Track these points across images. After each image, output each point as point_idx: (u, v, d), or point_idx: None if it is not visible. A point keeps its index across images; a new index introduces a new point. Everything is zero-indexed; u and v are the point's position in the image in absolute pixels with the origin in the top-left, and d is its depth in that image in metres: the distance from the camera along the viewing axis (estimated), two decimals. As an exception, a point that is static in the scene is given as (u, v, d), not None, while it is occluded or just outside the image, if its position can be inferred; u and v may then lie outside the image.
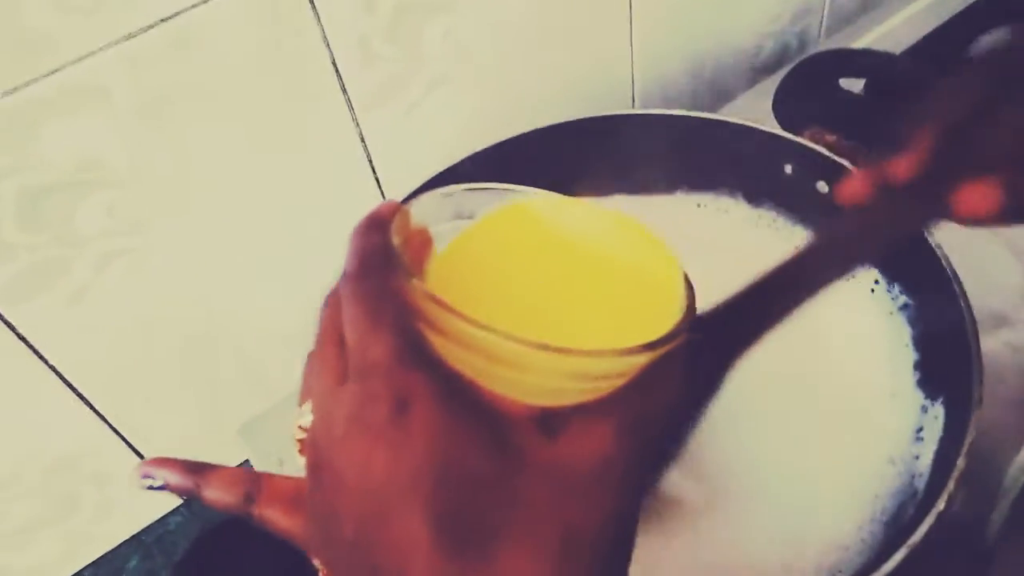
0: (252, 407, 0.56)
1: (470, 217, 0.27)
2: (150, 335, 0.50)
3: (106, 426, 0.52)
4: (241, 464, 0.59)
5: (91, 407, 0.50)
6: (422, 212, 0.25)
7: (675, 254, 0.25)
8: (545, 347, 0.21)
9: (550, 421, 0.22)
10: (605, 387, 0.23)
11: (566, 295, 0.25)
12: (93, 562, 0.56)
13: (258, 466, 0.51)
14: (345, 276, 0.24)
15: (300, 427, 0.25)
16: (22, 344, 0.46)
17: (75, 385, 0.49)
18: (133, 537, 0.57)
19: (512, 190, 0.27)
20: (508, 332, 0.21)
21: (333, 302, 0.24)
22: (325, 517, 0.22)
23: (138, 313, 0.49)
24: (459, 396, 0.21)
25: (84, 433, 0.51)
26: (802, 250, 0.31)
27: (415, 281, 0.22)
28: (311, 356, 0.24)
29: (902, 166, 0.29)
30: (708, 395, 0.31)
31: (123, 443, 0.53)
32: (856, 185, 0.31)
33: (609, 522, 0.22)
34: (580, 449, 0.21)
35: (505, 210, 0.26)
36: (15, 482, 0.50)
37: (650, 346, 0.22)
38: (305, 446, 0.24)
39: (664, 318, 0.23)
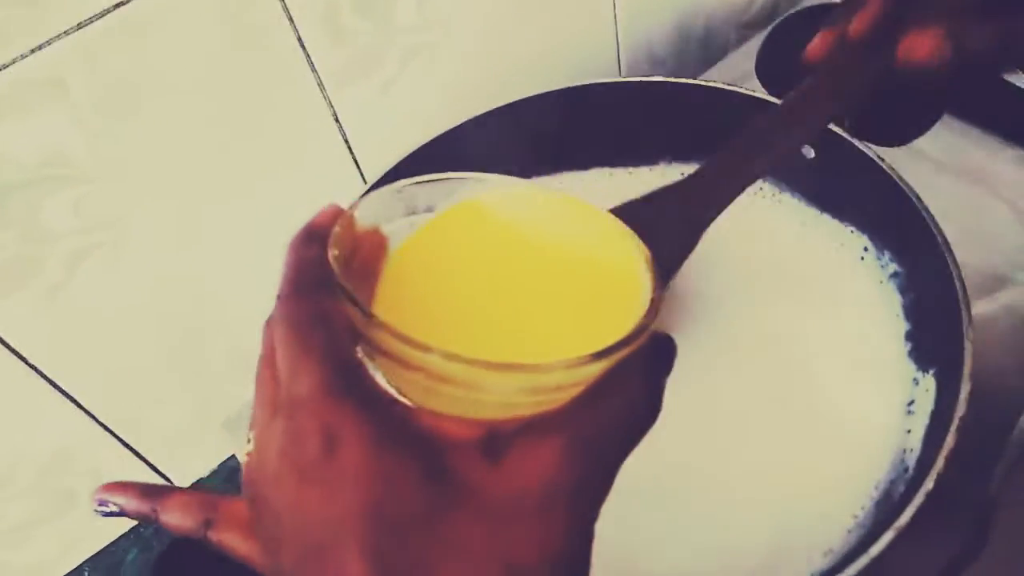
0: (240, 393, 0.56)
1: (427, 211, 0.25)
2: (131, 329, 0.50)
3: (95, 422, 0.52)
4: (227, 459, 0.59)
5: (78, 404, 0.50)
6: (372, 212, 0.24)
7: (641, 246, 0.24)
8: (488, 364, 0.20)
9: (494, 444, 0.21)
10: (560, 397, 0.21)
11: (523, 297, 0.24)
12: (92, 556, 0.56)
13: (243, 459, 0.51)
14: (278, 297, 0.23)
15: (246, 454, 0.24)
16: (1, 346, 0.45)
17: (59, 384, 0.48)
18: (131, 530, 0.57)
19: (464, 178, 0.25)
20: (449, 352, 0.19)
21: (269, 323, 0.23)
22: (268, 547, 0.22)
23: (117, 308, 0.48)
24: (393, 428, 0.20)
25: (74, 430, 0.51)
26: (771, 111, 0.32)
27: (349, 305, 0.21)
28: (255, 382, 0.23)
29: (858, 22, 0.32)
30: (679, 261, 0.30)
31: (114, 438, 0.53)
32: (820, 43, 0.33)
33: (557, 550, 0.21)
34: (524, 473, 0.20)
35: (456, 208, 0.25)
36: (10, 482, 0.50)
37: (600, 354, 0.21)
38: (243, 478, 0.23)
39: (626, 318, 0.22)
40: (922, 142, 0.50)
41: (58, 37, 0.39)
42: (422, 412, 0.21)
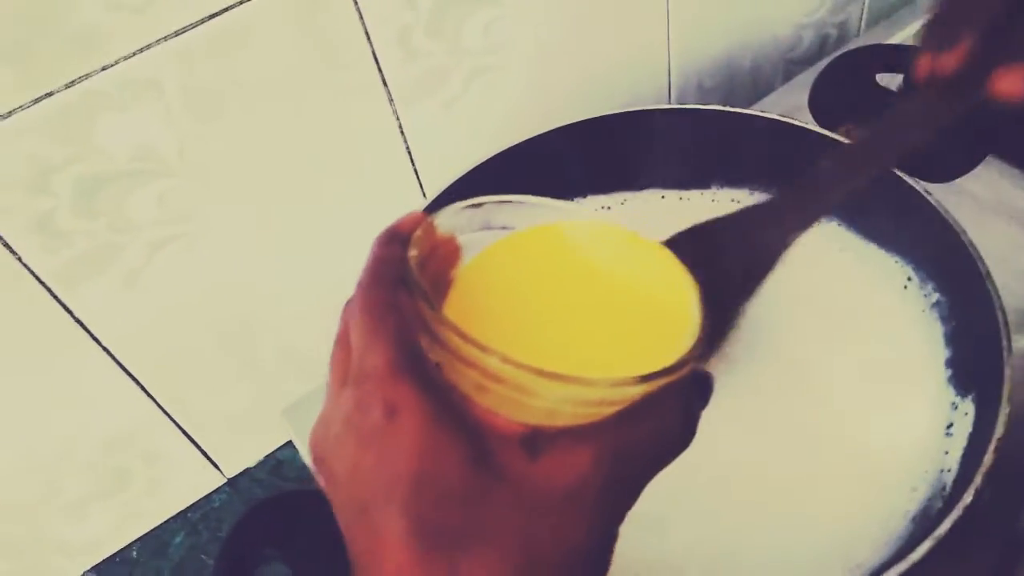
0: (296, 389, 0.58)
1: (502, 228, 0.28)
2: (198, 318, 0.52)
3: (156, 406, 0.54)
4: (274, 451, 0.61)
5: (142, 387, 0.52)
6: (451, 222, 0.26)
7: (694, 290, 0.26)
8: (539, 372, 0.22)
9: (535, 441, 0.23)
10: (601, 412, 0.23)
11: (581, 318, 0.26)
12: (140, 537, 0.58)
13: (302, 447, 0.53)
14: (358, 284, 0.25)
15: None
16: (78, 326, 0.48)
17: (127, 366, 0.51)
18: (179, 514, 0.59)
19: (541, 205, 0.28)
20: (506, 355, 0.22)
21: (348, 307, 0.25)
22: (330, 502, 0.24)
23: (186, 297, 0.51)
24: (447, 411, 0.22)
25: (135, 412, 0.53)
26: (859, 138, 0.33)
27: (420, 300, 0.23)
28: (331, 358, 0.26)
29: (947, 60, 0.32)
30: (753, 285, 0.32)
31: (171, 422, 0.55)
32: (924, 64, 0.33)
33: (576, 545, 0.22)
34: (557, 470, 0.22)
35: (530, 231, 0.27)
36: (71, 457, 0.52)
37: (644, 379, 0.23)
38: (310, 442, 0.25)
39: (672, 349, 0.24)
40: (966, 182, 0.52)
41: (158, 42, 0.42)
42: (473, 402, 0.23)
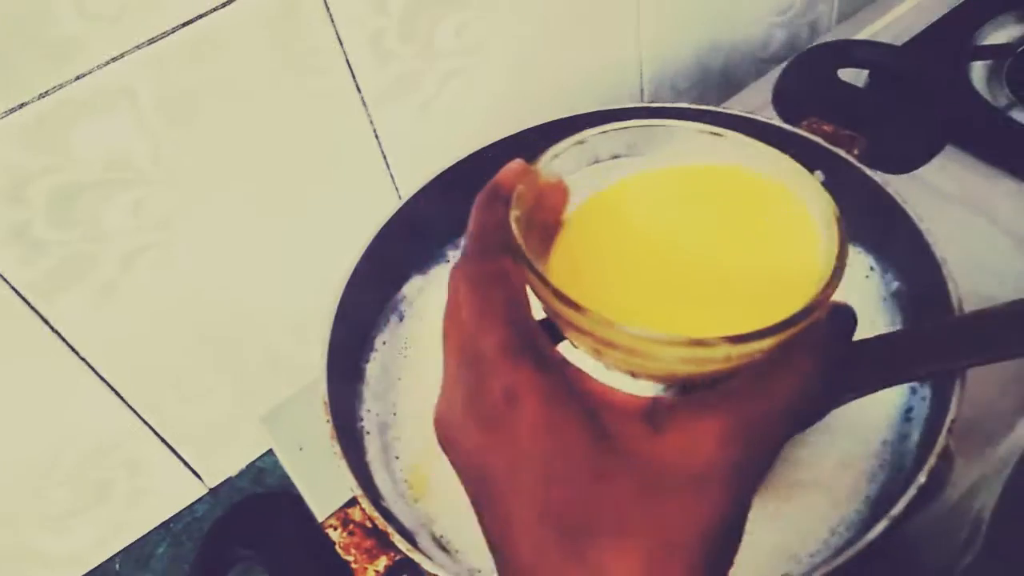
0: (274, 395, 0.58)
1: (611, 158, 0.26)
2: (176, 327, 0.53)
3: (135, 416, 0.54)
4: (255, 460, 0.61)
5: (121, 398, 0.53)
6: (556, 164, 0.25)
7: (827, 231, 0.23)
8: (650, 338, 0.21)
9: (658, 415, 0.21)
10: (732, 365, 0.22)
11: (698, 268, 0.24)
12: (122, 549, 0.59)
13: (281, 453, 0.53)
14: (462, 255, 0.24)
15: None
16: (55, 336, 0.48)
17: (105, 376, 0.51)
18: (161, 524, 0.60)
19: (651, 126, 0.26)
20: (611, 321, 0.21)
21: (454, 275, 0.24)
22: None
23: (164, 305, 0.51)
24: (565, 390, 0.21)
25: (115, 423, 0.53)
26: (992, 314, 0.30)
27: (528, 273, 0.22)
28: (443, 329, 0.25)
29: None
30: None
31: (151, 432, 0.55)
32: None
33: (707, 526, 0.21)
34: (684, 447, 0.21)
35: (637, 176, 0.26)
36: (53, 471, 0.52)
37: (765, 332, 0.21)
38: (435, 418, 0.25)
39: (801, 293, 0.22)
40: (929, 174, 0.53)
41: (132, 50, 0.43)
42: (590, 378, 0.22)
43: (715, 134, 0.26)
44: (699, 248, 0.25)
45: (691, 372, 0.23)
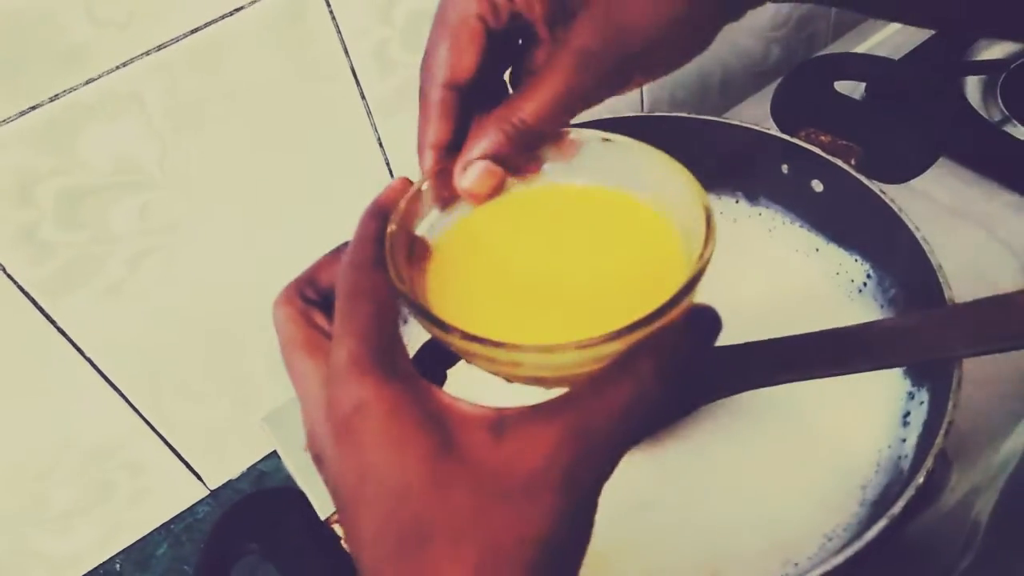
0: (275, 397, 0.58)
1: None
2: (181, 329, 0.53)
3: (139, 417, 0.54)
4: (256, 463, 0.61)
5: (125, 399, 0.53)
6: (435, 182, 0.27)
7: (686, 247, 0.24)
8: (498, 345, 0.22)
9: (502, 424, 0.22)
10: (593, 369, 0.22)
11: (561, 280, 0.26)
12: (123, 550, 0.59)
13: (284, 453, 0.54)
14: (340, 267, 0.25)
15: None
16: (62, 337, 0.48)
17: (110, 377, 0.51)
18: (162, 525, 0.60)
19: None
20: (464, 331, 0.22)
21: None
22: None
23: (168, 308, 0.51)
24: (411, 402, 0.22)
25: (118, 423, 0.54)
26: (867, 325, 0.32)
27: (393, 281, 0.23)
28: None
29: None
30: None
31: (154, 434, 0.56)
32: None
33: (539, 532, 0.21)
34: (519, 453, 0.21)
35: (500, 199, 0.27)
36: (56, 470, 0.52)
37: (614, 335, 0.21)
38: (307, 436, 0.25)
39: (659, 294, 0.22)
40: (927, 186, 0.54)
41: (141, 56, 0.43)
42: (442, 392, 0.23)
43: (606, 140, 0.28)
44: (563, 265, 0.26)
45: (555, 377, 0.23)
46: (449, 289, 0.25)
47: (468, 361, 0.25)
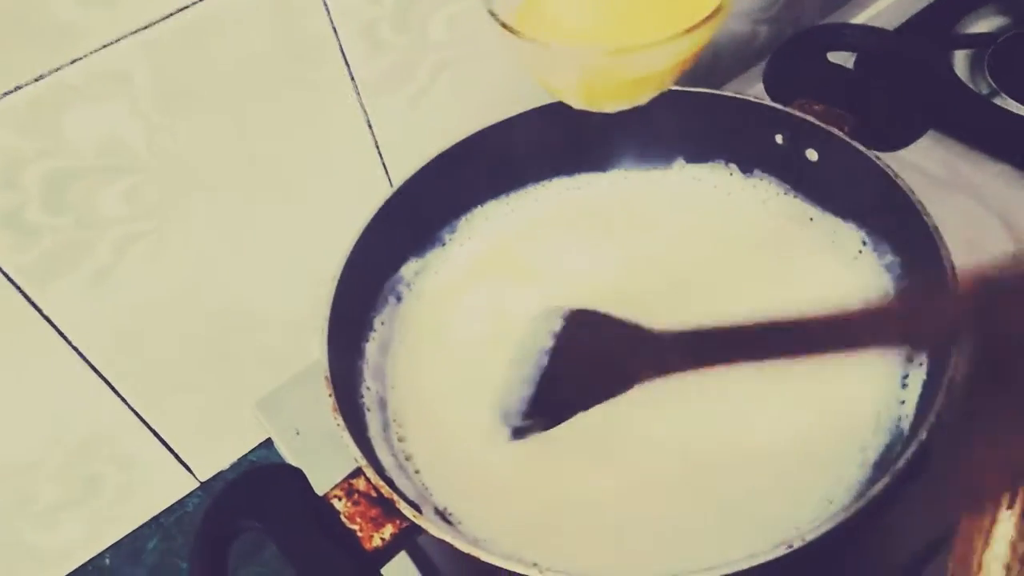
0: (265, 385, 0.58)
1: None
2: (169, 316, 0.52)
3: (127, 408, 0.54)
4: (247, 453, 0.61)
5: (113, 388, 0.52)
6: None
7: None
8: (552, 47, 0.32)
9: None
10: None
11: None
12: (113, 544, 0.58)
13: (277, 437, 0.53)
14: None
15: None
16: (48, 325, 0.47)
17: (97, 366, 0.51)
18: (152, 519, 0.59)
19: None
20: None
21: None
22: None
23: (156, 295, 0.51)
24: None
25: (106, 414, 0.53)
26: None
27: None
28: None
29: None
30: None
31: (143, 425, 0.55)
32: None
33: None
34: None
35: None
36: (43, 464, 0.52)
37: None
38: None
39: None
40: (917, 158, 0.54)
41: (127, 35, 0.43)
42: None
43: None
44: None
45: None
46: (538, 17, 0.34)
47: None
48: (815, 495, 0.37)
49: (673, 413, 0.41)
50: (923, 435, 0.31)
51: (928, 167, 0.57)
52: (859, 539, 0.34)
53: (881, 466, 0.37)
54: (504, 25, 0.33)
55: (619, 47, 0.32)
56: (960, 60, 0.66)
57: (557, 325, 0.45)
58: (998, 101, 0.61)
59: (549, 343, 0.44)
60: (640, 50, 0.32)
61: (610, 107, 0.36)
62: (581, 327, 0.45)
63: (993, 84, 0.62)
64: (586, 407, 0.42)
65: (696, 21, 0.32)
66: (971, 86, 0.63)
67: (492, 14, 0.34)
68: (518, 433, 0.42)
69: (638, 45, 0.31)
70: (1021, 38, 0.65)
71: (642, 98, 0.35)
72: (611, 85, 0.34)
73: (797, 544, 0.30)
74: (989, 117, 0.60)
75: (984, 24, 0.69)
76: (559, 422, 0.42)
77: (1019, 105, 0.61)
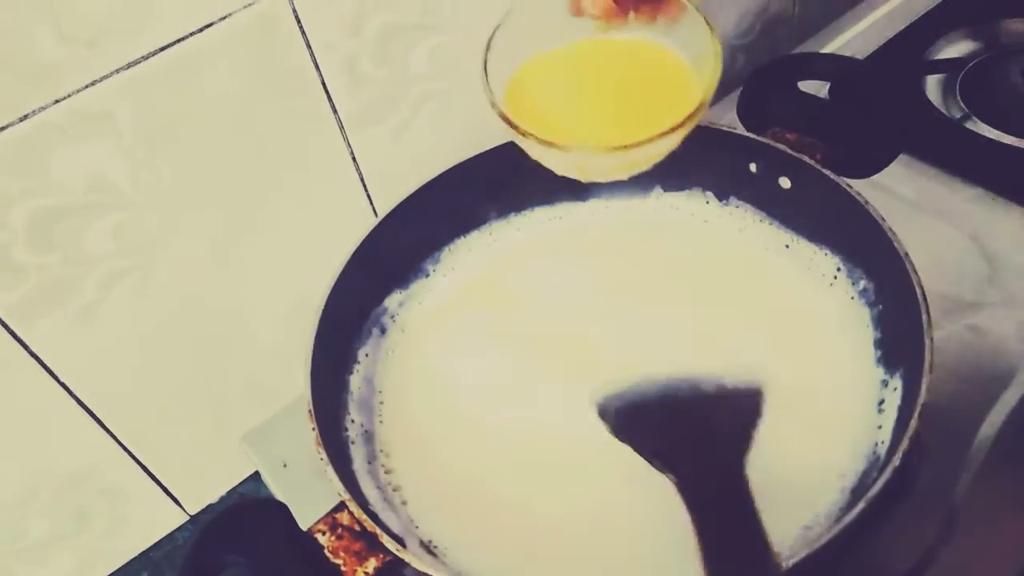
0: (253, 418, 0.58)
1: None
2: (156, 351, 0.52)
3: (115, 442, 0.53)
4: (236, 486, 0.60)
5: (100, 423, 0.52)
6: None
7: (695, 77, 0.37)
8: (544, 142, 0.34)
9: None
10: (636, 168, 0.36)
11: (610, 103, 0.37)
12: (103, 578, 0.57)
13: (264, 470, 0.53)
14: None
15: None
16: (34, 361, 0.47)
17: (85, 401, 0.51)
18: (142, 553, 0.59)
19: None
20: (541, 136, 0.33)
21: None
22: None
23: (143, 330, 0.51)
24: None
25: (94, 449, 0.53)
26: None
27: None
28: None
29: None
30: None
31: (131, 459, 0.55)
32: None
33: None
34: None
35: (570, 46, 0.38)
36: (31, 499, 0.51)
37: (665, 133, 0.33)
38: None
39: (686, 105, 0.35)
40: (890, 182, 0.55)
41: (110, 74, 0.43)
42: None
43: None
44: (615, 95, 0.38)
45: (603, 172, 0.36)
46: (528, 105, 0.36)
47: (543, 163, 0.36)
48: (793, 522, 0.37)
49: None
50: (896, 461, 0.32)
51: (901, 191, 0.58)
52: (839, 566, 0.34)
53: (858, 492, 0.37)
54: (508, 120, 0.35)
55: (613, 145, 0.34)
56: (932, 85, 0.67)
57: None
58: (970, 125, 0.62)
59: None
60: (634, 147, 0.34)
61: (602, 180, 0.39)
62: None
63: (965, 108, 0.63)
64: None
65: (683, 113, 0.35)
66: (943, 111, 0.64)
67: (493, 105, 0.36)
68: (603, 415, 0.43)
69: (632, 142, 0.34)
70: (992, 62, 0.67)
71: (634, 172, 0.38)
72: (603, 169, 0.37)
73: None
74: (961, 141, 0.61)
75: (954, 49, 0.70)
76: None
77: (990, 129, 0.62)
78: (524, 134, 0.35)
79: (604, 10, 0.37)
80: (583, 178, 0.37)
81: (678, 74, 0.38)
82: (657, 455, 0.39)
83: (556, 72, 0.39)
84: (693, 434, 0.41)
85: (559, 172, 0.38)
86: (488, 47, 0.38)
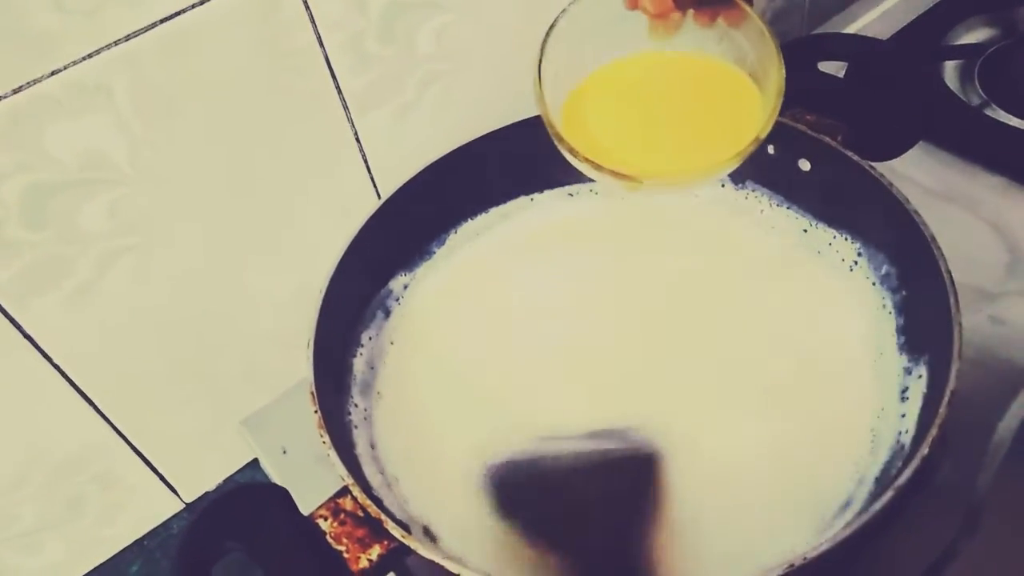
0: (252, 404, 0.57)
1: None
2: (153, 333, 0.51)
3: (110, 427, 0.53)
4: (233, 474, 0.59)
5: (95, 407, 0.51)
6: None
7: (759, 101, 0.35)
8: (615, 174, 0.32)
9: None
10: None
11: (667, 125, 0.36)
12: (95, 568, 0.57)
13: (263, 456, 0.52)
14: None
15: None
16: (27, 342, 0.46)
17: (79, 384, 0.50)
18: (136, 542, 0.58)
19: None
20: (594, 161, 0.32)
21: None
22: None
23: (140, 311, 0.50)
24: None
25: (88, 434, 0.52)
26: None
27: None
28: None
29: None
30: None
31: (127, 444, 0.54)
32: None
33: None
34: None
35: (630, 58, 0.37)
36: (23, 484, 0.50)
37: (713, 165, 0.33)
38: None
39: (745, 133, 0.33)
40: (909, 170, 0.54)
41: (108, 46, 0.42)
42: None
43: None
44: (672, 112, 0.37)
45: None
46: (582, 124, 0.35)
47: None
48: (813, 512, 0.36)
49: (663, 436, 0.41)
50: (925, 449, 0.31)
51: (920, 179, 0.57)
52: (860, 558, 0.33)
53: (880, 482, 0.36)
54: (565, 144, 0.34)
55: (665, 174, 0.34)
56: (950, 71, 0.66)
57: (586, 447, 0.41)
58: (988, 112, 0.61)
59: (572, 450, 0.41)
60: (687, 175, 0.34)
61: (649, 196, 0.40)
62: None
63: (983, 95, 0.62)
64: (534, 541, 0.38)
65: (739, 146, 0.33)
66: (961, 97, 0.63)
67: (554, 135, 0.35)
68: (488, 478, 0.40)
69: (684, 171, 0.34)
70: (1010, 49, 0.66)
71: (679, 192, 0.40)
72: (655, 192, 0.36)
73: (799, 563, 0.29)
74: (981, 128, 0.61)
75: (973, 35, 0.69)
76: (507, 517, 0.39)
77: (1009, 116, 0.61)
78: (597, 167, 0.33)
79: (660, 7, 0.35)
80: (629, 191, 0.36)
81: (739, 93, 0.36)
82: (541, 536, 0.37)
83: (612, 89, 0.37)
84: (578, 511, 0.38)
85: (603, 185, 0.38)
86: (541, 55, 0.37)
